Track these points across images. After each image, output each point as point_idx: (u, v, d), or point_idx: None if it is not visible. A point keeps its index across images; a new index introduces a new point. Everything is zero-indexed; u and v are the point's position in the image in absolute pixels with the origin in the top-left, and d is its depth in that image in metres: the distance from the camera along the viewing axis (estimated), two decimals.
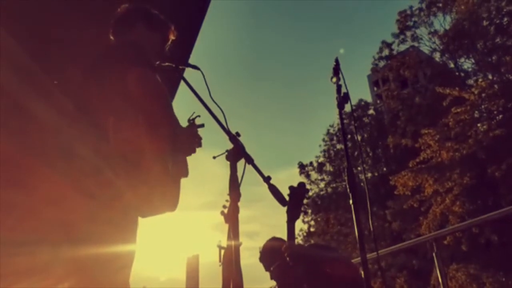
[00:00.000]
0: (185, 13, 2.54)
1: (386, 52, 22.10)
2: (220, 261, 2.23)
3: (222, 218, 2.14)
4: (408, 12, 20.74)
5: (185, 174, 1.57)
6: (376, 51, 23.15)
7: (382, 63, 23.15)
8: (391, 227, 20.10)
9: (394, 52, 22.04)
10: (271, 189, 1.53)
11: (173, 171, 1.48)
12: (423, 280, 17.66)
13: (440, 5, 19.75)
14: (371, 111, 27.40)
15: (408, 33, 21.01)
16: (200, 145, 1.62)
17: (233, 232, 1.52)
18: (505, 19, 17.47)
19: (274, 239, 2.44)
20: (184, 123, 1.62)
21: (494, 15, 17.65)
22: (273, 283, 2.41)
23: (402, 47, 22.03)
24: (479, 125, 15.96)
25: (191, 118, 1.63)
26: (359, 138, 24.43)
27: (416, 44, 21.40)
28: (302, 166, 26.72)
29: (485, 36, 17.98)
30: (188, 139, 1.58)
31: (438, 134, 16.08)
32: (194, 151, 1.61)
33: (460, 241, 15.01)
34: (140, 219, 1.44)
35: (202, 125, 1.63)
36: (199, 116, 1.62)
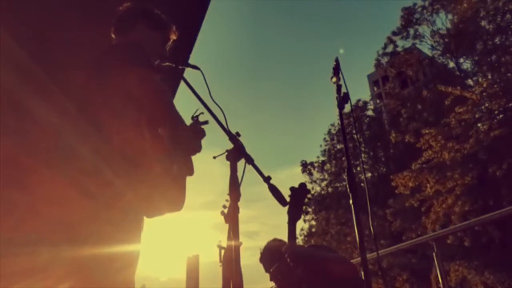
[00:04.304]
0: (185, 13, 2.54)
1: (390, 48, 22.06)
2: (220, 261, 2.23)
3: (222, 218, 2.14)
4: (412, 9, 20.76)
5: (190, 172, 1.56)
6: (376, 50, 23.17)
7: (385, 59, 23.07)
8: (392, 227, 20.09)
9: (398, 49, 22.01)
10: (271, 189, 1.53)
11: (178, 170, 1.48)
12: (424, 279, 17.66)
13: (444, 2, 19.70)
14: (370, 112, 27.45)
15: (411, 30, 21.02)
16: (204, 135, 1.61)
17: (233, 232, 1.52)
18: (507, 16, 17.43)
19: (275, 240, 2.44)
20: (187, 121, 1.62)
21: (494, 14, 17.64)
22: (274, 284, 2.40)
23: (405, 45, 22.05)
24: (479, 124, 15.95)
25: (194, 115, 1.62)
26: (359, 138, 24.40)
27: (418, 42, 21.41)
28: (304, 165, 26.80)
29: (485, 36, 17.98)
30: (192, 137, 1.57)
31: (440, 134, 16.07)
32: (199, 149, 1.59)
33: (462, 239, 14.99)
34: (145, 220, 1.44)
35: (206, 122, 1.62)
36: (202, 113, 1.61)
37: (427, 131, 16.45)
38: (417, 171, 16.70)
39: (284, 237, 2.05)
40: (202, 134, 1.61)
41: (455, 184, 15.58)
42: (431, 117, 18.20)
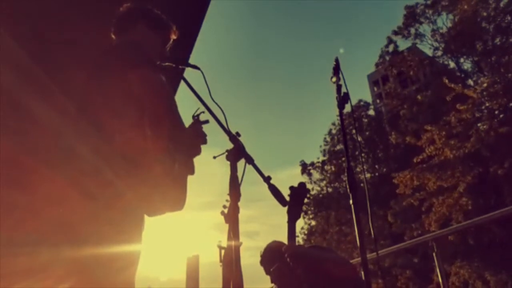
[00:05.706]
0: (185, 13, 2.54)
1: (391, 48, 22.08)
2: (220, 261, 2.23)
3: (222, 218, 2.14)
4: (415, 7, 20.73)
5: (191, 171, 1.56)
6: (376, 50, 23.18)
7: (387, 59, 23.03)
8: (392, 227, 20.08)
9: (399, 49, 22.02)
10: (271, 189, 1.53)
11: (179, 170, 1.48)
12: (426, 279, 17.68)
13: (446, 3, 19.65)
14: (371, 112, 27.45)
15: (412, 30, 21.00)
16: (205, 142, 1.61)
17: (233, 232, 1.52)
18: (507, 18, 17.43)
19: (274, 242, 2.44)
20: (186, 120, 1.62)
21: (494, 15, 17.62)
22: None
23: (406, 44, 22.04)
24: (479, 124, 15.94)
25: (195, 114, 1.62)
26: (359, 138, 24.40)
27: (418, 42, 21.38)
28: (304, 165, 26.81)
29: (485, 37, 17.97)
30: (191, 139, 1.57)
31: (441, 131, 16.03)
32: (199, 152, 1.59)
33: (465, 238, 14.95)
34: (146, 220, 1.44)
35: (206, 121, 1.62)
36: (203, 112, 1.61)
37: (428, 128, 16.43)
38: (417, 170, 16.67)
39: (284, 238, 2.05)
40: (204, 138, 1.60)
41: (456, 181, 15.56)
42: (428, 118, 18.18)
